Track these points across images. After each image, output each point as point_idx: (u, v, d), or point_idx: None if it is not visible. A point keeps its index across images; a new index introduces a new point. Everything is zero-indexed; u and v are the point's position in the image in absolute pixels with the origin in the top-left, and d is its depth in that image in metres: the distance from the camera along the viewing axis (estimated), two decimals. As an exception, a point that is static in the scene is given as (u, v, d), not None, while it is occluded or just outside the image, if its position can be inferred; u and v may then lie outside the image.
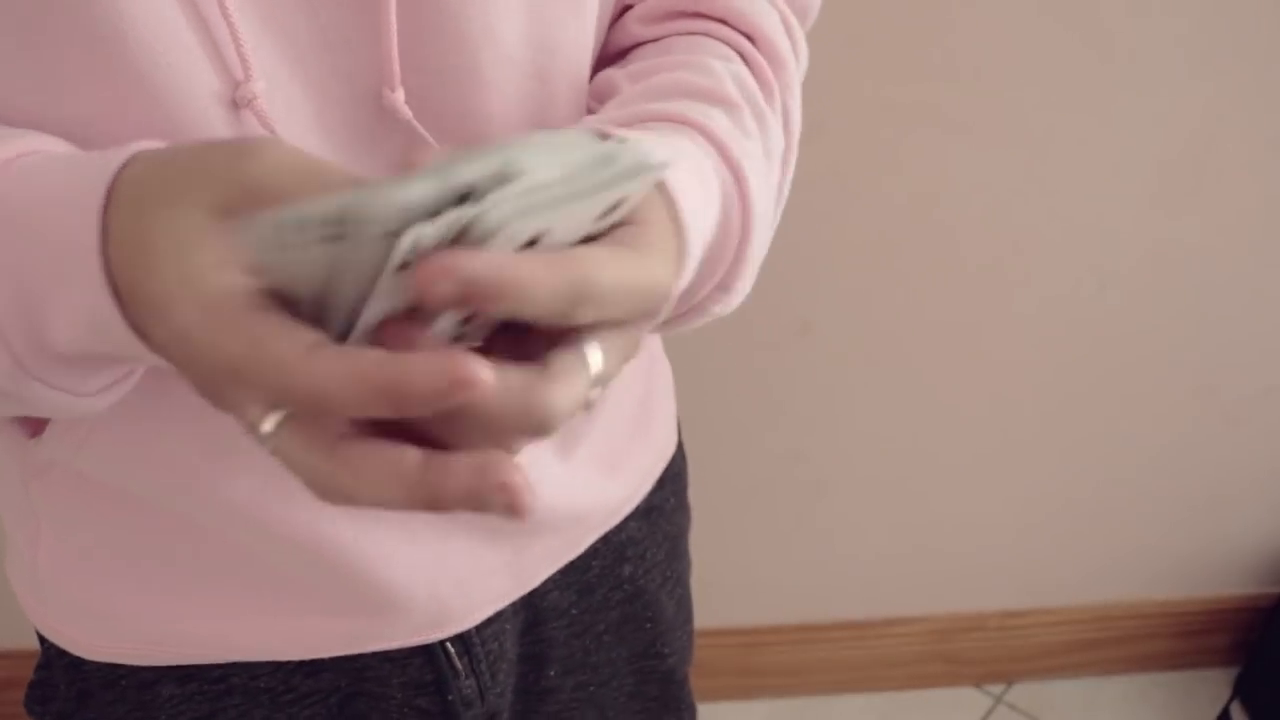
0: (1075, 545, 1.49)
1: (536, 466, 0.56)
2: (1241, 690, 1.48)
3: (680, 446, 0.71)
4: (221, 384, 0.31)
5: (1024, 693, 1.56)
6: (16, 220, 0.34)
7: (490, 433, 0.31)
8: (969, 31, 1.10)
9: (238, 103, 0.39)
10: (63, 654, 0.56)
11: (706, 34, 0.50)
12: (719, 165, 0.44)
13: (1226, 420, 1.39)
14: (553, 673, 0.65)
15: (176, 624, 0.53)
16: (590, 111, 0.50)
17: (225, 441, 0.47)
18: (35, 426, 0.48)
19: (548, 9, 0.45)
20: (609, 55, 0.53)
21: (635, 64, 0.50)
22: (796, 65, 0.52)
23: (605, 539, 0.64)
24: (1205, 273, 1.28)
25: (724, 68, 0.48)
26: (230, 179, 0.31)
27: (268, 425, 0.31)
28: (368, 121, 0.43)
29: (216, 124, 0.39)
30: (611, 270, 0.31)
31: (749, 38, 0.50)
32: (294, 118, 0.41)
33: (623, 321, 0.33)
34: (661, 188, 0.38)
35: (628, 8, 0.53)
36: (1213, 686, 1.56)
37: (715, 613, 1.47)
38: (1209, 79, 1.14)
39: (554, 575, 0.62)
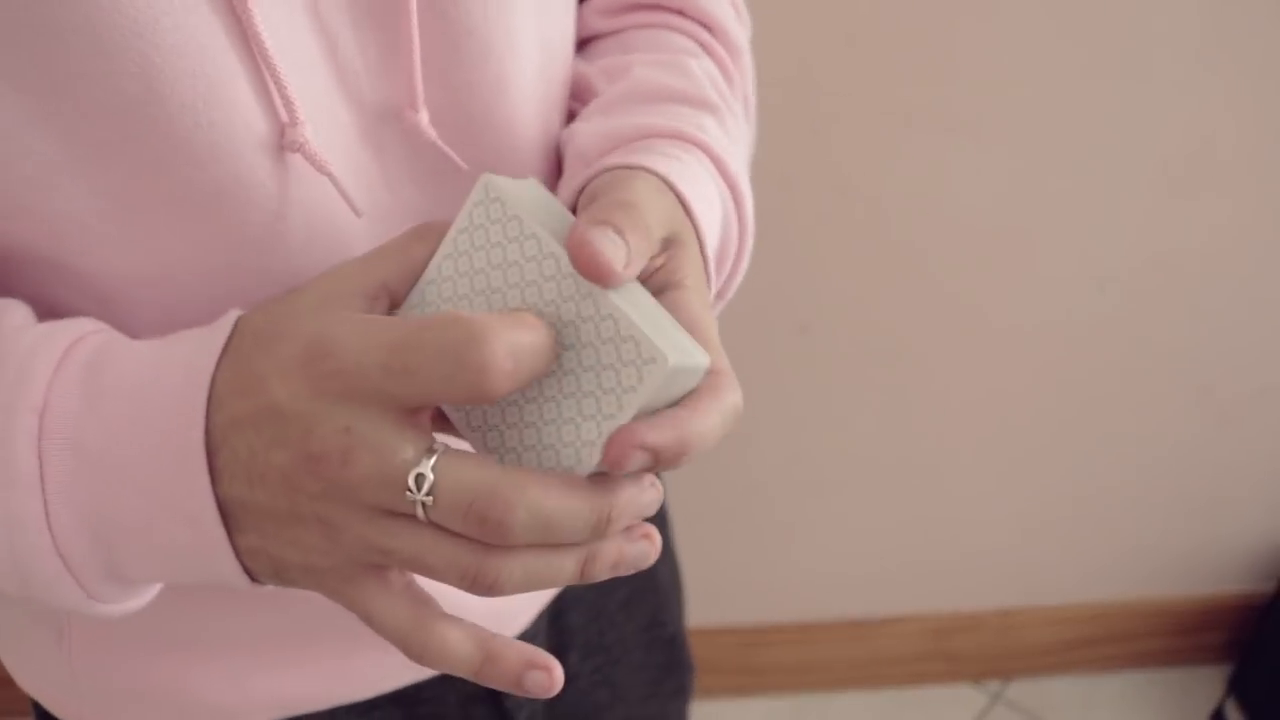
0: (1072, 544, 1.49)
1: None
2: (1237, 687, 1.49)
3: None
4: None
5: (1022, 690, 1.57)
6: (98, 460, 0.34)
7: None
8: (969, 32, 1.10)
9: (286, 148, 0.37)
10: None
11: (665, 26, 0.50)
12: (720, 185, 0.44)
13: (1223, 420, 1.40)
14: (574, 659, 0.66)
15: (230, 693, 0.51)
16: (571, 112, 0.49)
17: None
18: None
19: (550, 7, 0.45)
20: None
21: (603, 59, 0.50)
22: (745, 40, 0.53)
23: None
24: (1203, 273, 1.28)
25: (698, 67, 0.48)
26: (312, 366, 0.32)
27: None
28: (392, 144, 0.42)
29: (261, 174, 0.38)
30: (704, 423, 0.33)
31: (705, 27, 0.51)
32: (327, 152, 0.40)
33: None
34: (693, 229, 0.40)
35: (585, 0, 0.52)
36: (1208, 683, 1.57)
37: (715, 611, 1.47)
38: (1209, 80, 1.15)
39: None
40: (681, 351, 0.33)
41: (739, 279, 0.47)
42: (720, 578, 1.45)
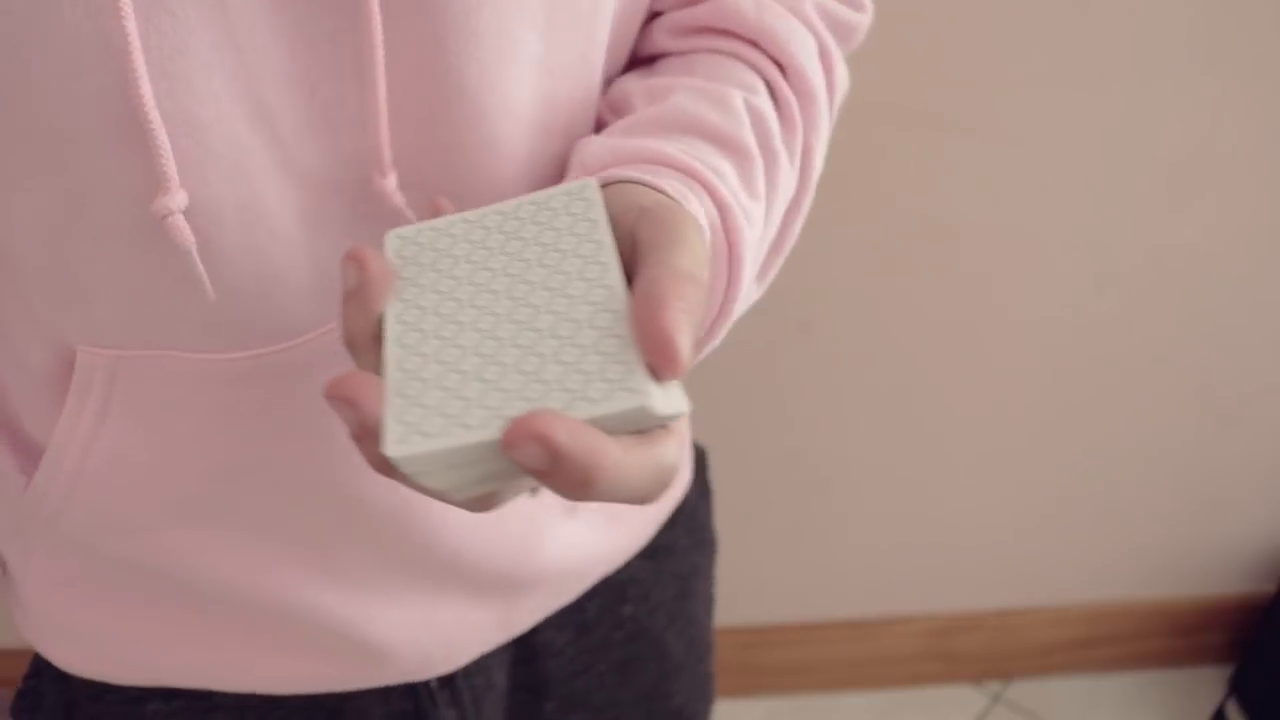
0: (1073, 544, 1.49)
1: (543, 528, 0.55)
2: (1237, 688, 1.48)
3: (700, 479, 0.69)
4: None
5: (1022, 690, 1.57)
6: None
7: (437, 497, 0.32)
8: (969, 32, 1.11)
9: (156, 212, 0.36)
10: (51, 665, 0.56)
11: (735, 56, 0.47)
12: (716, 225, 0.41)
13: (1223, 420, 1.40)
14: (551, 707, 0.63)
15: (158, 654, 0.53)
16: (602, 122, 0.47)
17: (204, 528, 0.47)
18: (26, 463, 0.48)
19: (557, 63, 0.42)
20: (634, 60, 0.50)
21: (654, 79, 0.47)
22: (830, 98, 0.48)
23: (604, 580, 0.62)
24: (1202, 273, 1.28)
25: (744, 103, 0.44)
26: None
27: None
28: (358, 206, 0.40)
29: (149, 236, 0.38)
30: (618, 462, 0.30)
31: (779, 66, 0.47)
32: (281, 209, 0.39)
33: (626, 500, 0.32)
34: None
35: (658, 14, 0.49)
36: (1208, 684, 1.57)
37: (716, 612, 1.48)
38: (1208, 81, 1.15)
39: (549, 615, 0.61)
40: (667, 399, 0.30)
41: (715, 338, 0.44)
42: (721, 578, 1.44)
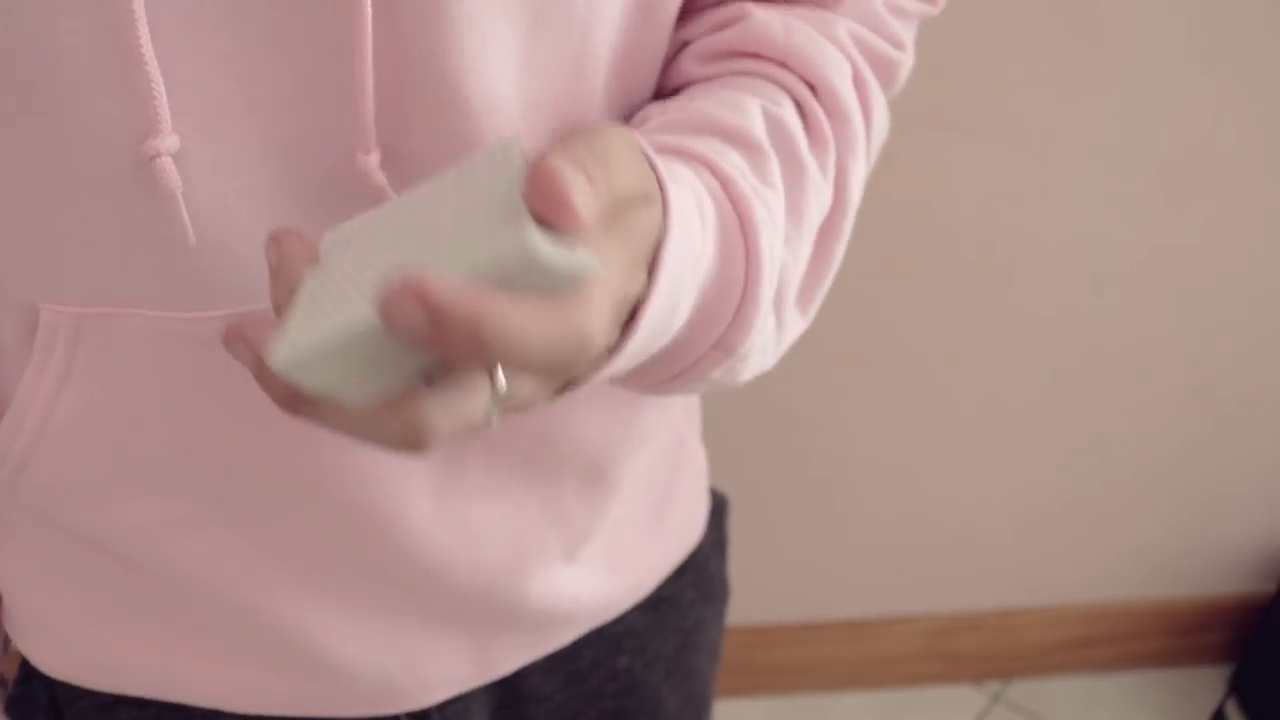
0: (1072, 544, 1.50)
1: (533, 561, 0.53)
2: (1237, 687, 1.49)
3: (716, 528, 0.66)
4: None
5: (1022, 690, 1.57)
6: None
7: (357, 431, 0.30)
8: (968, 32, 1.11)
9: (145, 153, 0.36)
10: (35, 666, 0.55)
11: (764, 76, 0.45)
12: (723, 204, 0.40)
13: (1222, 420, 1.40)
14: None
15: (122, 655, 0.52)
16: None
17: (163, 502, 0.47)
18: None
19: (543, 64, 0.41)
20: (664, 94, 0.48)
21: (675, 100, 0.46)
22: (866, 129, 0.47)
23: (599, 630, 0.59)
24: (1201, 274, 1.29)
25: (760, 107, 0.43)
26: None
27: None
28: (340, 183, 0.40)
29: (130, 182, 0.37)
30: (515, 322, 0.27)
31: (811, 87, 0.45)
32: (254, 173, 0.39)
33: (537, 373, 0.29)
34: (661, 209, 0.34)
35: (686, 44, 0.48)
36: (1208, 684, 1.57)
37: (715, 611, 1.48)
38: (1208, 81, 1.15)
39: (536, 661, 0.58)
40: (560, 250, 0.27)
41: (751, 332, 0.41)
42: (720, 578, 1.45)
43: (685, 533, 0.63)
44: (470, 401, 0.30)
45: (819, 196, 0.44)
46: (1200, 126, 1.18)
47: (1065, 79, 1.14)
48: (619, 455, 0.53)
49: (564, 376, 0.29)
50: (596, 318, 0.29)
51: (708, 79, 0.47)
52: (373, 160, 0.38)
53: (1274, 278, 1.30)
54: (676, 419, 0.60)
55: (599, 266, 0.29)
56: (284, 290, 0.32)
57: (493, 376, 0.30)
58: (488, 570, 0.51)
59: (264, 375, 0.30)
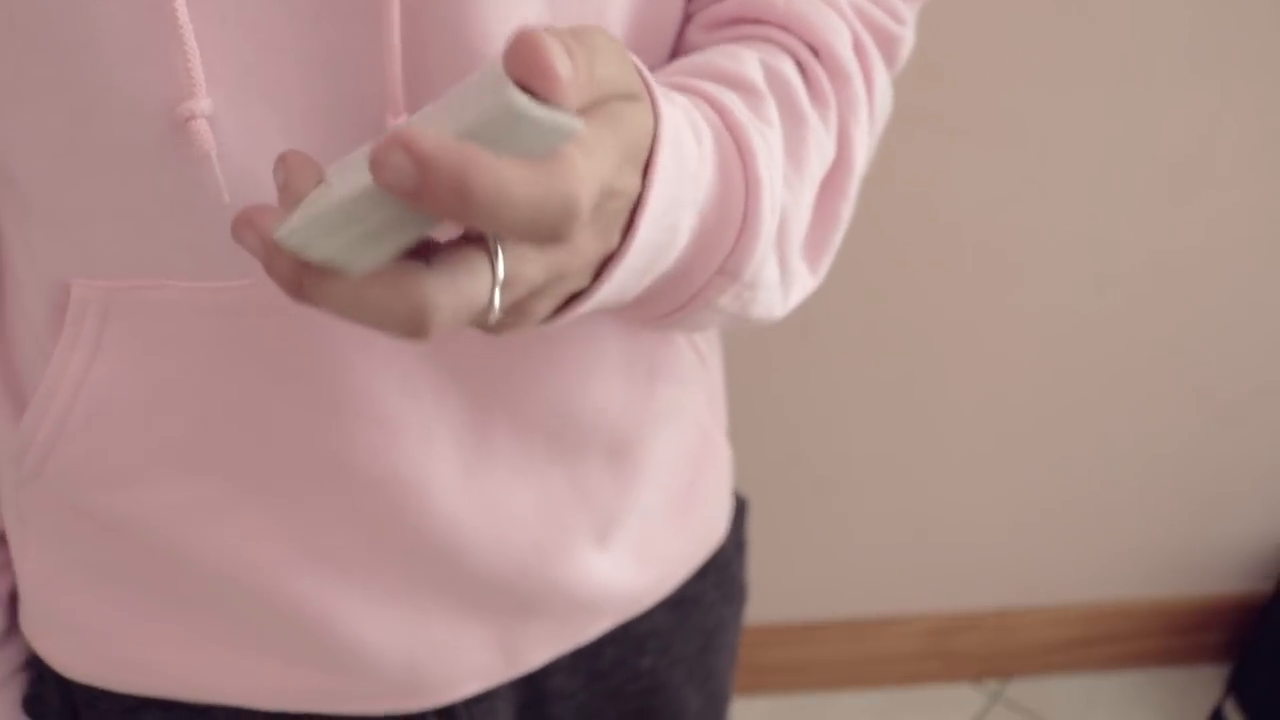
0: (1071, 543, 1.50)
1: (565, 545, 0.52)
2: (1236, 687, 1.49)
3: (737, 531, 0.66)
4: None
5: (1021, 689, 1.57)
6: None
7: (362, 312, 0.30)
8: (969, 32, 1.11)
9: (180, 115, 0.37)
10: (50, 669, 0.55)
11: (765, 39, 0.46)
12: (719, 129, 0.40)
13: (1221, 420, 1.40)
14: None
15: (148, 652, 0.52)
16: None
17: (188, 480, 0.46)
18: (18, 408, 0.48)
19: (567, 19, 0.42)
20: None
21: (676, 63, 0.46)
22: (868, 94, 0.47)
23: (624, 628, 0.59)
24: (1202, 274, 1.29)
25: (757, 59, 0.44)
26: None
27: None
28: (357, 137, 0.40)
29: (165, 147, 0.38)
30: (498, 177, 0.27)
31: (812, 50, 0.46)
32: (283, 140, 0.39)
33: (526, 236, 0.29)
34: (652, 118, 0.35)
35: (690, 17, 0.49)
36: (1207, 683, 1.57)
37: (715, 611, 1.48)
38: (1208, 81, 1.15)
39: (560, 658, 0.58)
40: (544, 109, 0.28)
41: (754, 256, 0.41)
42: (720, 577, 1.45)
43: (709, 530, 0.63)
44: (471, 281, 0.30)
45: (820, 148, 0.44)
46: (1201, 126, 1.18)
47: (1066, 79, 1.14)
48: (642, 435, 0.53)
49: (552, 242, 0.29)
50: (582, 182, 0.29)
51: (708, 46, 0.47)
52: (401, 122, 0.38)
53: (1274, 278, 1.30)
54: (699, 407, 0.59)
55: (581, 126, 0.29)
56: (290, 204, 0.32)
57: (490, 254, 0.31)
58: (517, 553, 0.51)
59: (271, 257, 0.30)
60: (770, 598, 1.50)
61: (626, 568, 0.56)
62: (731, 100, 0.41)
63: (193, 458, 0.46)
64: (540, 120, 0.28)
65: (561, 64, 0.28)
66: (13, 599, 0.56)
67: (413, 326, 0.30)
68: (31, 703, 0.57)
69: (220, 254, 0.41)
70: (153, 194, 0.39)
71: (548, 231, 0.28)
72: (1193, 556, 1.52)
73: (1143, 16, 1.10)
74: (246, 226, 0.30)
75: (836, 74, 0.46)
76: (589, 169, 0.30)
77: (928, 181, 1.19)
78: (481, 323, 0.32)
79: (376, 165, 0.26)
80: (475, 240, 0.31)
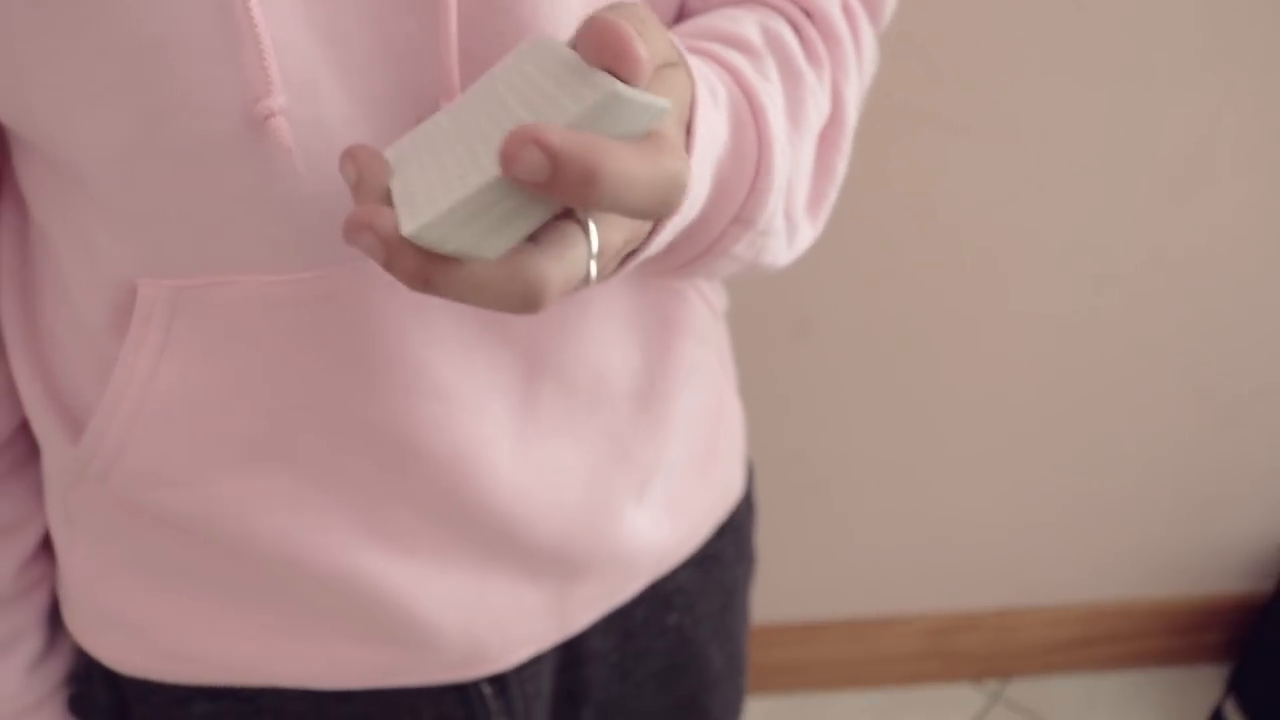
0: (1071, 543, 1.50)
1: (609, 503, 0.54)
2: (1236, 687, 1.49)
3: (748, 496, 0.68)
4: None
5: (1021, 689, 1.57)
6: None
7: (482, 294, 0.32)
8: (968, 32, 1.11)
9: (258, 114, 0.37)
10: (99, 664, 0.55)
11: (761, 3, 0.49)
12: (730, 86, 0.42)
13: (1221, 419, 1.40)
14: (587, 715, 0.62)
15: (206, 643, 0.52)
16: None
17: (258, 473, 0.47)
18: (76, 433, 0.48)
19: (594, 4, 0.44)
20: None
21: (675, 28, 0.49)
22: (857, 55, 0.50)
23: (653, 586, 0.61)
24: (1201, 273, 1.29)
25: (755, 21, 0.46)
26: None
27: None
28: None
29: (251, 133, 0.38)
30: (621, 161, 0.29)
31: (805, 12, 0.49)
32: (348, 131, 0.40)
33: (641, 213, 0.31)
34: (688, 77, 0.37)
35: None
36: (1207, 683, 1.57)
37: (715, 611, 1.48)
38: (1209, 80, 1.15)
39: (598, 619, 0.60)
40: (641, 92, 0.30)
41: (767, 204, 0.44)
42: (720, 577, 1.45)
43: (728, 487, 0.65)
44: (575, 253, 0.33)
45: (817, 105, 0.47)
46: (1201, 126, 1.18)
47: (1066, 78, 1.14)
48: (668, 389, 0.55)
49: (658, 216, 0.31)
50: (682, 158, 0.31)
51: (707, 11, 0.49)
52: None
53: (1275, 278, 1.30)
54: (714, 365, 0.61)
55: (667, 105, 0.31)
56: (371, 198, 0.33)
57: (586, 229, 0.33)
58: (569, 515, 0.52)
59: (394, 254, 0.31)
60: (771, 597, 1.50)
61: (661, 525, 0.58)
62: (739, 60, 0.43)
63: (261, 450, 0.47)
64: (638, 103, 0.30)
65: (641, 47, 0.30)
66: (53, 611, 0.56)
67: (530, 301, 0.32)
68: (78, 701, 0.57)
69: (291, 247, 0.41)
70: (225, 191, 0.40)
71: (661, 207, 0.30)
72: (1193, 556, 1.52)
73: (1143, 16, 1.10)
74: (361, 228, 0.31)
75: (829, 35, 0.48)
76: (679, 142, 0.32)
77: (927, 181, 1.19)
78: (581, 285, 0.35)
79: (509, 160, 0.28)
80: (566, 215, 0.33)
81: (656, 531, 0.58)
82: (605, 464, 0.53)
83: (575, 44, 0.32)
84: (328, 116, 0.39)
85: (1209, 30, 1.12)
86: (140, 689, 0.54)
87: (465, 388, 0.46)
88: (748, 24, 0.46)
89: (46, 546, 0.56)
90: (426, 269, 0.31)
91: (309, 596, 0.51)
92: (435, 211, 0.30)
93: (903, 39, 1.11)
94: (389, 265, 0.31)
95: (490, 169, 0.30)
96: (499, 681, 0.56)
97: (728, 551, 0.66)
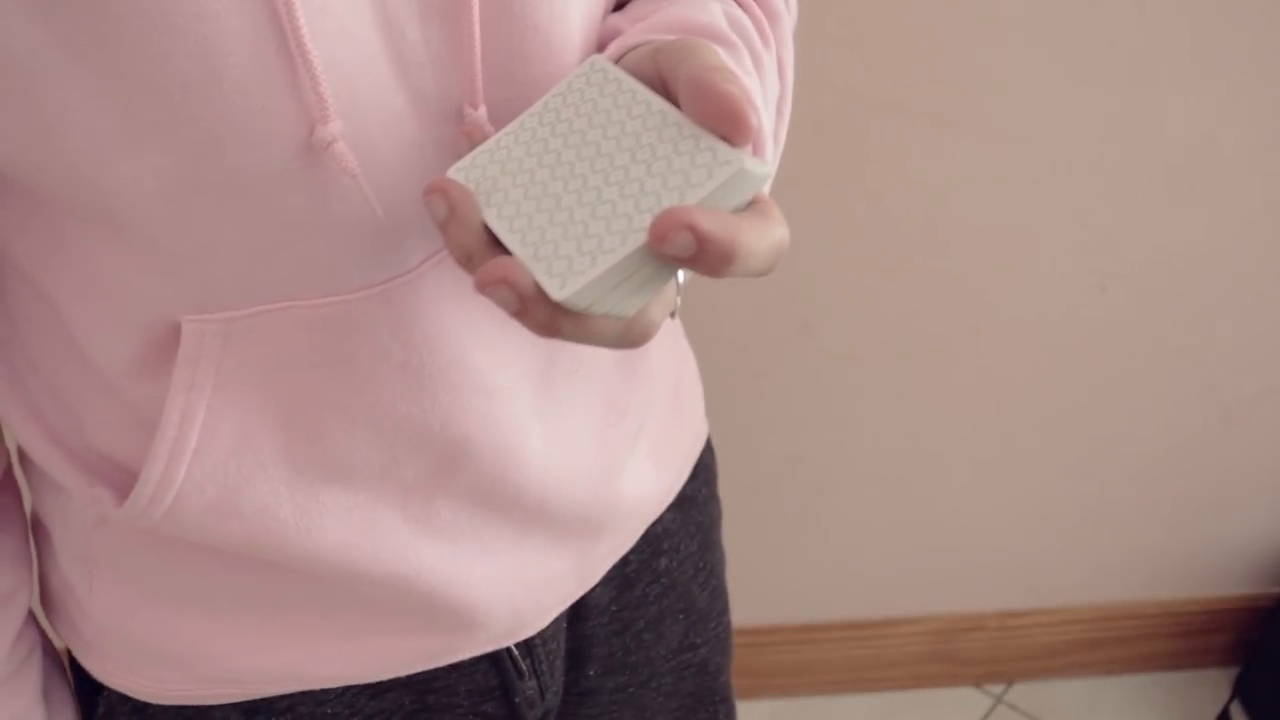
0: (1075, 545, 1.49)
1: (618, 458, 0.57)
2: (1241, 690, 1.48)
3: (709, 438, 0.71)
4: None
5: (1024, 693, 1.56)
6: None
7: (602, 338, 0.36)
8: (968, 32, 1.10)
9: (314, 144, 0.38)
10: (125, 699, 0.54)
11: None
12: None
13: (1226, 421, 1.40)
14: (592, 673, 0.64)
15: (250, 661, 0.52)
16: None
17: (315, 491, 0.47)
18: (120, 498, 0.47)
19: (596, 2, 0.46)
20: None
21: (634, 9, 0.50)
22: (787, 18, 0.53)
23: (644, 533, 0.64)
24: (1205, 274, 1.28)
25: (720, 8, 0.48)
26: None
27: None
28: (450, 139, 0.42)
29: (301, 164, 0.38)
30: (749, 237, 0.33)
31: None
32: (383, 144, 0.40)
33: (753, 274, 0.35)
34: None
35: None
36: (1212, 686, 1.57)
37: (716, 613, 1.47)
38: (1210, 80, 1.15)
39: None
40: (754, 161, 0.34)
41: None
42: (721, 579, 1.44)
43: (698, 428, 0.68)
44: (669, 292, 0.37)
45: (773, 85, 0.50)
46: (1203, 125, 1.18)
47: (1067, 77, 1.13)
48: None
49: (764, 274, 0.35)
50: (783, 224, 0.35)
51: None
52: (481, 114, 0.42)
53: (1276, 278, 1.29)
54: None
55: (768, 170, 0.35)
56: (468, 235, 0.36)
57: (676, 275, 0.37)
58: (587, 478, 0.55)
59: (528, 308, 0.34)
60: (772, 599, 1.50)
61: (650, 471, 0.61)
62: (721, 57, 0.46)
63: (319, 468, 0.47)
64: (754, 175, 0.34)
65: (755, 116, 0.33)
66: (44, 683, 0.55)
67: (640, 343, 0.37)
68: None
69: (349, 267, 0.42)
70: (279, 219, 0.40)
71: (768, 270, 0.34)
72: (1198, 559, 1.52)
73: (1144, 16, 1.10)
74: (498, 284, 0.33)
75: (770, 13, 0.52)
76: (774, 206, 0.36)
77: (928, 180, 1.19)
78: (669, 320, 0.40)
79: (661, 240, 0.32)
80: None
81: (648, 477, 0.61)
82: (605, 424, 0.56)
83: (679, 102, 0.35)
84: (366, 130, 0.39)
85: (1211, 30, 1.11)
86: (174, 715, 0.54)
87: (501, 378, 0.48)
88: (715, 11, 0.48)
89: (32, 618, 0.55)
90: (557, 321, 0.34)
91: (363, 599, 0.51)
92: (584, 280, 0.33)
93: (903, 37, 1.10)
94: (520, 315, 0.34)
95: (631, 239, 0.33)
96: (525, 643, 0.59)
97: (701, 491, 0.69)
